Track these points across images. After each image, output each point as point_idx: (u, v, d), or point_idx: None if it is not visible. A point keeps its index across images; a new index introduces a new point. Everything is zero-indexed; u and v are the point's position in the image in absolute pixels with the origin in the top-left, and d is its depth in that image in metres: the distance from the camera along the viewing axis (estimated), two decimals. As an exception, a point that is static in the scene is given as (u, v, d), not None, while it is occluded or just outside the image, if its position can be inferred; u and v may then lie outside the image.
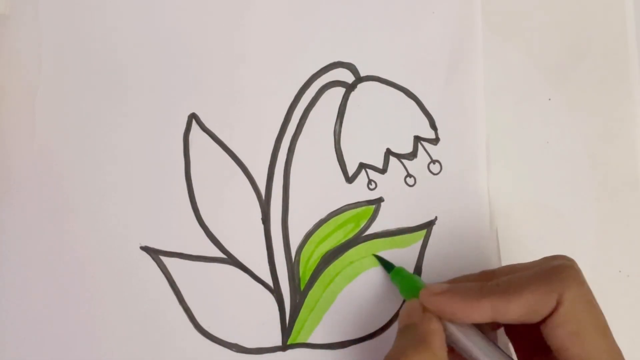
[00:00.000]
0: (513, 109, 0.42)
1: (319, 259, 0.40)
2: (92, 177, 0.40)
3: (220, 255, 0.40)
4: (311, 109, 0.40)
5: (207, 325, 0.39)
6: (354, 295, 0.40)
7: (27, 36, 0.40)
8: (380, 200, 0.40)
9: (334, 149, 0.40)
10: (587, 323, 0.31)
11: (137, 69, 0.40)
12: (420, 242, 0.40)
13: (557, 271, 0.32)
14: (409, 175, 0.40)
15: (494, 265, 0.40)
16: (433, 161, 0.41)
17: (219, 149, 0.40)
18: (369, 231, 0.40)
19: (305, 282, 0.40)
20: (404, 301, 0.39)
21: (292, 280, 0.40)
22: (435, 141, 0.41)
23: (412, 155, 0.41)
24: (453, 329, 0.33)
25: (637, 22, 0.43)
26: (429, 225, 0.40)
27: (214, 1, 0.41)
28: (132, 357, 0.39)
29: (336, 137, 0.40)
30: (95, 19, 0.40)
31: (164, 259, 0.39)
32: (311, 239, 0.40)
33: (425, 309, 0.34)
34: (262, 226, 0.40)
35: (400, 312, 0.35)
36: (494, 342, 0.34)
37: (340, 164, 0.40)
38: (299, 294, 0.40)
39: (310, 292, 0.40)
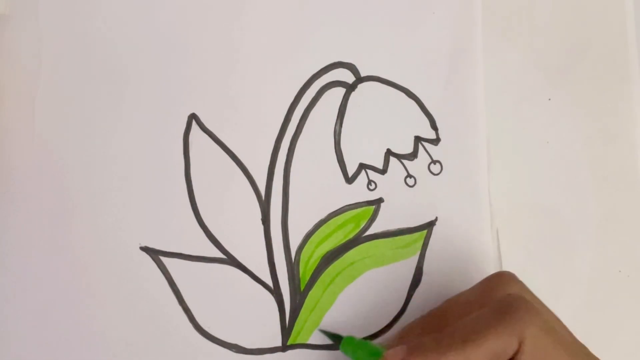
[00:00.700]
0: (513, 109, 0.42)
1: (319, 260, 0.40)
2: (92, 177, 0.40)
3: (220, 255, 0.39)
4: (311, 109, 0.40)
5: (207, 325, 0.39)
6: (354, 295, 0.40)
7: (27, 36, 0.40)
8: (380, 200, 0.40)
9: (334, 149, 0.40)
10: (553, 354, 0.31)
11: (137, 69, 0.40)
12: (420, 243, 0.40)
13: (511, 307, 0.31)
14: (409, 175, 0.40)
15: (494, 265, 0.40)
16: (433, 161, 0.41)
17: (219, 150, 0.40)
18: (369, 232, 0.40)
19: (305, 282, 0.40)
20: (401, 312, 0.39)
21: (292, 281, 0.40)
22: (435, 141, 0.41)
23: (413, 155, 0.41)
24: None
25: (637, 22, 0.43)
26: (429, 225, 0.40)
27: (213, 1, 0.41)
28: (132, 357, 0.39)
29: (336, 137, 0.40)
30: (95, 19, 0.40)
31: (164, 259, 0.39)
32: (311, 239, 0.40)
33: None
34: (262, 226, 0.40)
35: None
36: None
37: (340, 165, 0.40)
38: (299, 295, 0.40)
39: (310, 292, 0.40)
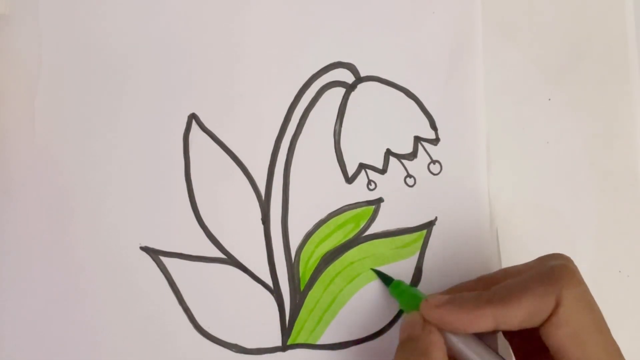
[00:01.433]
0: (513, 109, 0.42)
1: (318, 260, 0.40)
2: (92, 177, 0.40)
3: (220, 255, 0.40)
4: (311, 109, 0.40)
5: (207, 325, 0.39)
6: (354, 295, 0.40)
7: (27, 36, 0.40)
8: (380, 200, 0.40)
9: (333, 149, 0.40)
10: (585, 323, 0.31)
11: (137, 69, 0.40)
12: (420, 243, 0.40)
13: (554, 272, 0.32)
14: (409, 175, 0.40)
15: (494, 265, 0.40)
16: (433, 161, 0.41)
17: (219, 149, 0.40)
18: (369, 231, 0.40)
19: (305, 282, 0.40)
20: (400, 311, 0.40)
21: (292, 281, 0.40)
22: (435, 141, 0.41)
23: (412, 155, 0.41)
24: (454, 340, 0.33)
25: (637, 22, 0.43)
26: (429, 225, 0.40)
27: (213, 1, 0.41)
28: (132, 358, 0.39)
29: (336, 137, 0.40)
30: (95, 19, 0.40)
31: (164, 259, 0.39)
32: (311, 239, 0.40)
33: (425, 321, 0.33)
34: (261, 226, 0.40)
35: (401, 325, 0.35)
36: (494, 350, 0.34)
37: (340, 164, 0.40)
38: (299, 295, 0.40)
39: (310, 292, 0.40)
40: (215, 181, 0.40)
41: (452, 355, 0.33)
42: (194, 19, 0.41)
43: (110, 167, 0.40)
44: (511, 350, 0.37)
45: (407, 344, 0.33)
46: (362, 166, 0.40)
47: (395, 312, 0.40)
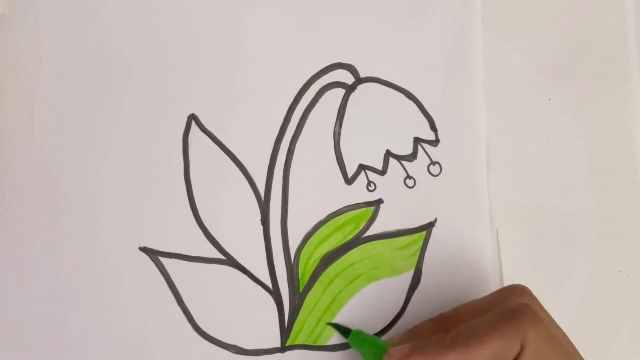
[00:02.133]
0: (513, 109, 0.42)
1: (318, 261, 0.40)
2: (91, 178, 0.40)
3: (219, 256, 0.40)
4: (311, 110, 0.40)
5: (206, 326, 0.39)
6: (353, 297, 0.40)
7: (27, 36, 0.40)
8: (379, 201, 0.40)
9: (333, 150, 0.40)
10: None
11: (136, 69, 0.40)
12: (420, 244, 0.40)
13: (517, 313, 0.31)
14: (408, 176, 0.40)
15: (494, 265, 0.40)
16: (433, 163, 0.41)
17: (219, 150, 0.40)
18: (369, 233, 0.40)
19: (305, 283, 0.40)
20: (400, 312, 0.39)
21: (291, 282, 0.40)
22: (435, 142, 0.41)
23: (412, 156, 0.40)
24: None
25: (637, 22, 0.43)
26: (428, 226, 0.40)
27: (213, 2, 0.41)
28: (131, 358, 0.39)
29: (336, 138, 0.40)
30: (94, 20, 0.40)
31: (163, 259, 0.39)
32: (310, 240, 0.40)
33: None
34: (261, 227, 0.40)
35: None
36: None
37: (339, 165, 0.40)
38: (298, 296, 0.40)
39: (310, 293, 0.40)
40: (215, 182, 0.40)
41: None
42: (193, 19, 0.41)
43: (109, 167, 0.40)
44: None
45: None
46: (361, 167, 0.40)
47: (395, 313, 0.40)
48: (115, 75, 0.40)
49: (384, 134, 0.41)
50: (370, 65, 0.41)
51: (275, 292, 0.40)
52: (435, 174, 0.41)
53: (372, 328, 0.40)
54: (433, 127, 0.41)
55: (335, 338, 0.39)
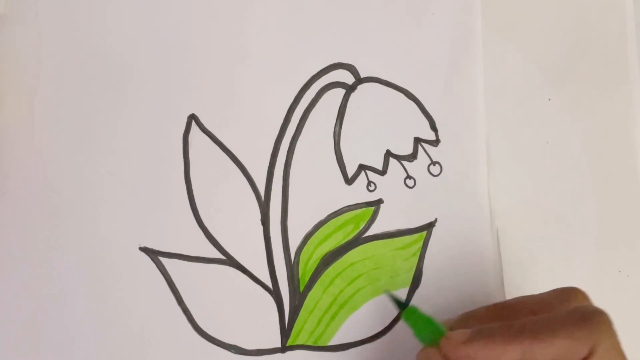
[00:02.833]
0: (513, 109, 0.42)
1: (318, 261, 0.40)
2: (91, 178, 0.40)
3: (219, 256, 0.40)
4: (311, 110, 0.40)
5: (206, 326, 0.39)
6: (354, 297, 0.40)
7: (27, 36, 0.40)
8: (379, 201, 0.40)
9: (333, 150, 0.40)
10: None
11: (136, 69, 0.40)
12: (420, 244, 0.40)
13: (592, 318, 0.31)
14: (408, 176, 0.40)
15: (494, 266, 0.40)
16: (433, 163, 0.41)
17: (219, 150, 0.40)
18: (369, 233, 0.40)
19: (305, 283, 0.40)
20: (400, 313, 0.39)
21: (292, 282, 0.40)
22: (435, 143, 0.41)
23: (412, 156, 0.40)
24: None
25: (637, 22, 0.42)
26: (429, 227, 0.40)
27: (213, 2, 0.41)
28: (131, 358, 0.39)
29: (336, 138, 0.40)
30: (95, 20, 0.40)
31: (163, 260, 0.39)
32: (310, 240, 0.40)
33: (446, 357, 0.31)
34: (261, 227, 0.40)
35: None
36: None
37: (339, 165, 0.40)
38: (298, 296, 0.40)
39: (310, 293, 0.40)
40: (215, 182, 0.40)
41: None
42: (193, 20, 0.41)
43: (109, 167, 0.40)
44: None
45: None
46: (362, 167, 0.40)
47: (395, 315, 0.40)
48: (115, 75, 0.40)
49: (384, 134, 0.40)
50: (370, 65, 0.41)
51: (275, 292, 0.40)
52: (435, 174, 0.41)
53: (372, 329, 0.40)
54: (433, 127, 0.41)
55: (336, 338, 0.39)
